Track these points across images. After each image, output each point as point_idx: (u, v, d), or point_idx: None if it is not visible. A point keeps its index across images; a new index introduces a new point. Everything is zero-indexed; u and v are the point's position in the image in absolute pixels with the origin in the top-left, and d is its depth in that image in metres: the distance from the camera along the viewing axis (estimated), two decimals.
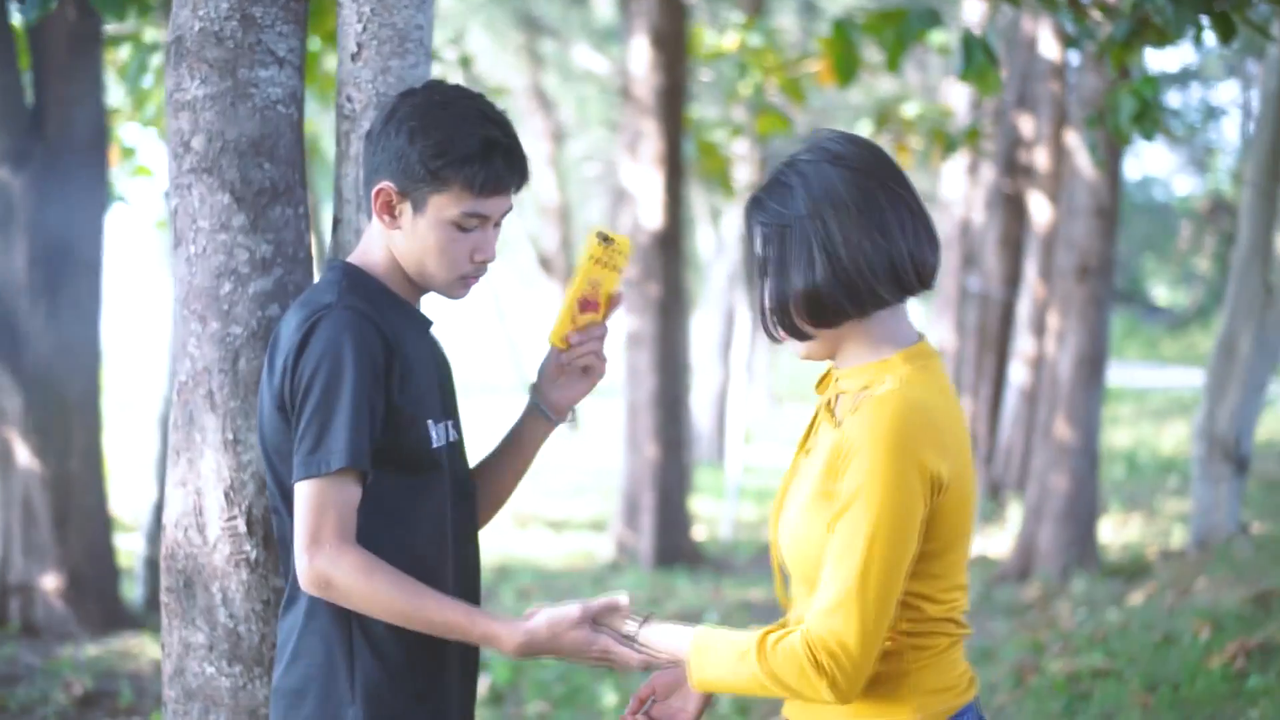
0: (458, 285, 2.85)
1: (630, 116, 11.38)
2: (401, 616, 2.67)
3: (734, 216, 17.70)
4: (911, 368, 2.55)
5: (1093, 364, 11.12)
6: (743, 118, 13.40)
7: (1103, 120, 9.59)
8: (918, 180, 17.58)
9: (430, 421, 2.83)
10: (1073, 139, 11.15)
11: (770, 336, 2.68)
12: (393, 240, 2.80)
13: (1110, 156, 10.79)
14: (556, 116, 22.07)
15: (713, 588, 10.66)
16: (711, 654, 2.56)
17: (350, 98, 3.14)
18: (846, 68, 8.77)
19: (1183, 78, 36.62)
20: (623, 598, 2.73)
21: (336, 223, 3.19)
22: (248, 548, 3.08)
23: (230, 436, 3.07)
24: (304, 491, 2.66)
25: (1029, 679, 8.29)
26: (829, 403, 2.68)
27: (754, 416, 26.35)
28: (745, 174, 13.99)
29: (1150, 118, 8.75)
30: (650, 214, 11.26)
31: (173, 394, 3.15)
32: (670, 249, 11.42)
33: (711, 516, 14.18)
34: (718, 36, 12.37)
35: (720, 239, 21.89)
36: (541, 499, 14.74)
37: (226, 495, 3.08)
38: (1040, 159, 14.40)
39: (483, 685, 7.48)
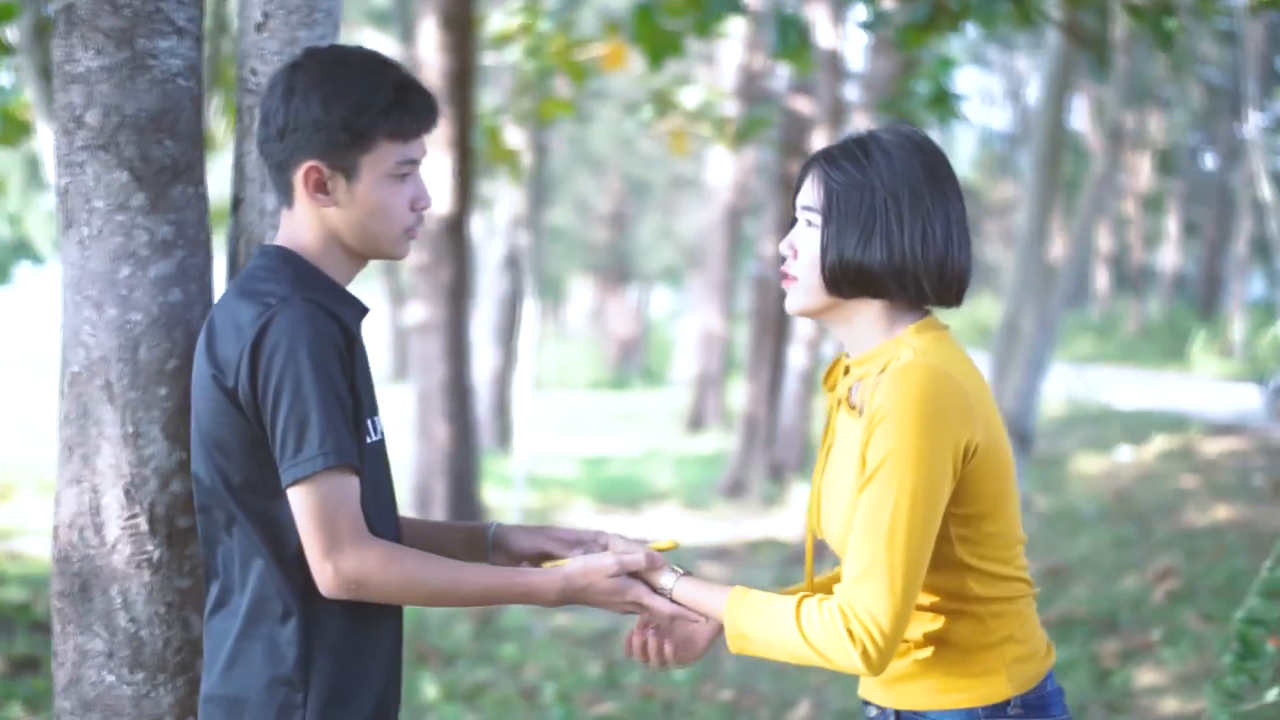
0: (403, 241, 2.75)
1: None
2: (440, 596, 2.61)
3: (507, 203, 17.60)
4: (925, 338, 2.55)
5: None
6: (526, 103, 13.30)
7: (894, 105, 9.76)
8: (682, 166, 17.80)
9: (370, 416, 2.70)
10: (861, 122, 11.29)
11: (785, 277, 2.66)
12: (326, 217, 2.64)
13: None
14: None
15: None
16: (748, 612, 2.55)
17: (255, 70, 2.98)
18: (657, 49, 8.73)
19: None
20: (663, 544, 2.74)
21: (238, 202, 3.03)
22: (150, 548, 2.91)
23: (130, 430, 2.88)
24: (305, 495, 2.50)
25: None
26: (845, 396, 2.67)
27: (528, 402, 26.32)
28: (528, 158, 13.89)
29: (945, 102, 8.93)
30: (440, 200, 11.09)
31: (63, 386, 2.95)
32: (459, 235, 11.26)
33: (497, 505, 14.05)
34: (503, 20, 12.22)
35: (492, 224, 21.74)
36: None
37: (127, 492, 2.89)
38: (818, 143, 14.57)
39: None
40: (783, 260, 2.67)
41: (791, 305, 2.66)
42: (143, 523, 2.90)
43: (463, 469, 11.32)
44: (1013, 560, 2.58)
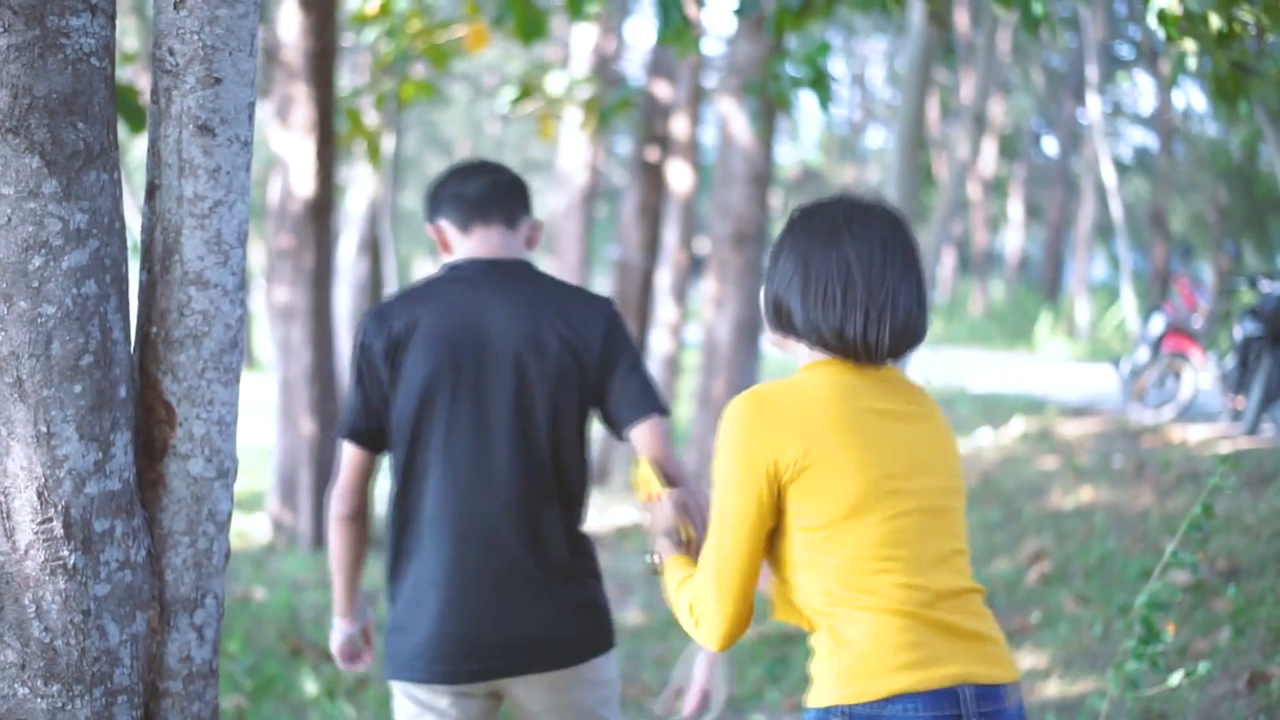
0: None
1: (279, 82, 10.95)
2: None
3: (363, 186, 17.31)
4: (805, 374, 2.85)
5: (750, 331, 11.28)
6: (385, 84, 13.09)
7: (764, 88, 9.71)
8: (534, 150, 17.69)
9: None
10: (727, 106, 11.25)
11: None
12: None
13: (766, 125, 10.95)
14: None
15: (381, 567, 10.37)
16: (668, 575, 3.03)
17: (172, 50, 2.83)
18: (530, 27, 8.62)
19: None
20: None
21: (153, 189, 2.89)
22: (64, 553, 2.75)
23: (44, 429, 2.72)
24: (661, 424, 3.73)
25: None
26: None
27: None
28: (388, 144, 13.68)
29: (824, 85, 8.91)
30: (302, 182, 10.87)
31: None
32: (322, 219, 11.05)
33: None
34: (362, 0, 12.01)
35: (346, 210, 21.41)
36: None
37: (39, 495, 2.73)
38: (679, 127, 14.54)
39: None
40: None
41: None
42: (57, 527, 2.74)
43: (328, 458, 11.11)
44: (866, 573, 2.72)
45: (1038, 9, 7.02)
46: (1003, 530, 9.96)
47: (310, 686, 7.19)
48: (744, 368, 11.34)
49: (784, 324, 2.88)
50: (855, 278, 2.77)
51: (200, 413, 2.91)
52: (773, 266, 2.89)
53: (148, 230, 2.89)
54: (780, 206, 55.01)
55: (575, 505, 3.83)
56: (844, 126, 46.57)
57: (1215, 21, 5.90)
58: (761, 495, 2.74)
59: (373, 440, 3.82)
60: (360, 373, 3.80)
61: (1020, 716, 2.77)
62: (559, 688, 3.73)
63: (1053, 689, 6.77)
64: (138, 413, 2.90)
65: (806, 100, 9.17)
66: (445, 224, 3.88)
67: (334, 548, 3.93)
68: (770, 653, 8.08)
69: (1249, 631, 6.57)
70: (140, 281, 2.94)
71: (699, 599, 2.81)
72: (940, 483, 2.81)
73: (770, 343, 2.98)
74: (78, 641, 2.78)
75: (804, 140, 52.46)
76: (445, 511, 3.68)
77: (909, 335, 2.80)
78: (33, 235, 2.71)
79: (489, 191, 3.85)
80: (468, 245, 3.84)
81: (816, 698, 2.75)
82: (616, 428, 3.78)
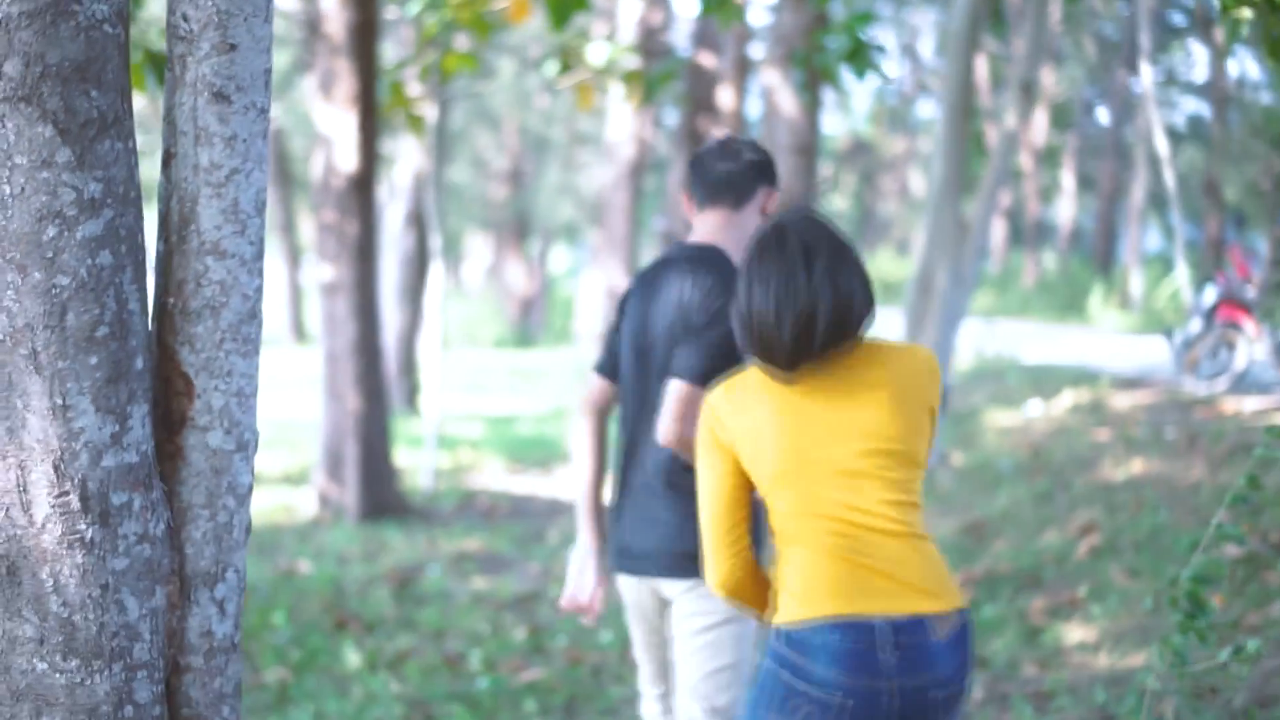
0: None
1: (322, 56, 10.92)
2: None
3: (409, 160, 17.30)
4: (750, 372, 3.37)
5: None
6: (429, 57, 13.04)
7: (809, 59, 9.63)
8: (583, 122, 17.56)
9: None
10: (772, 77, 11.15)
11: None
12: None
13: (812, 96, 10.85)
14: None
15: (426, 540, 10.38)
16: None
17: (186, 16, 2.78)
18: (562, 9, 8.56)
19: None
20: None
21: (168, 158, 2.84)
22: (82, 526, 2.71)
23: (60, 401, 2.68)
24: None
25: None
26: None
27: (435, 362, 26.04)
28: (431, 114, 13.63)
29: (862, 55, 8.81)
30: (345, 156, 10.85)
31: None
32: (365, 192, 11.01)
33: (408, 466, 13.84)
34: None
35: (392, 183, 21.39)
36: None
37: (56, 468, 2.69)
38: (724, 98, 14.44)
39: None
40: None
41: None
42: (74, 500, 2.70)
43: (374, 431, 11.11)
44: (799, 522, 3.22)
45: None
46: (1053, 502, 9.85)
47: (353, 658, 7.17)
48: None
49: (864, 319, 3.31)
50: (750, 314, 3.24)
51: (219, 384, 2.87)
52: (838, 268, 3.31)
53: (164, 200, 2.85)
54: (831, 177, 54.80)
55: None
56: (895, 97, 46.26)
57: None
58: (721, 463, 3.33)
59: (614, 376, 4.50)
60: (614, 322, 4.55)
61: (959, 644, 3.15)
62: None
63: (1102, 663, 6.68)
64: (155, 385, 2.86)
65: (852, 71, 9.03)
66: (688, 192, 4.42)
67: (587, 462, 4.57)
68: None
69: None
70: (157, 252, 2.90)
71: (704, 553, 3.42)
72: (861, 446, 3.20)
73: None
74: (96, 616, 2.74)
75: (855, 111, 52.20)
76: (630, 435, 4.41)
77: (811, 348, 3.19)
78: (46, 205, 2.66)
79: (730, 174, 4.33)
80: (700, 218, 4.39)
81: (771, 615, 3.26)
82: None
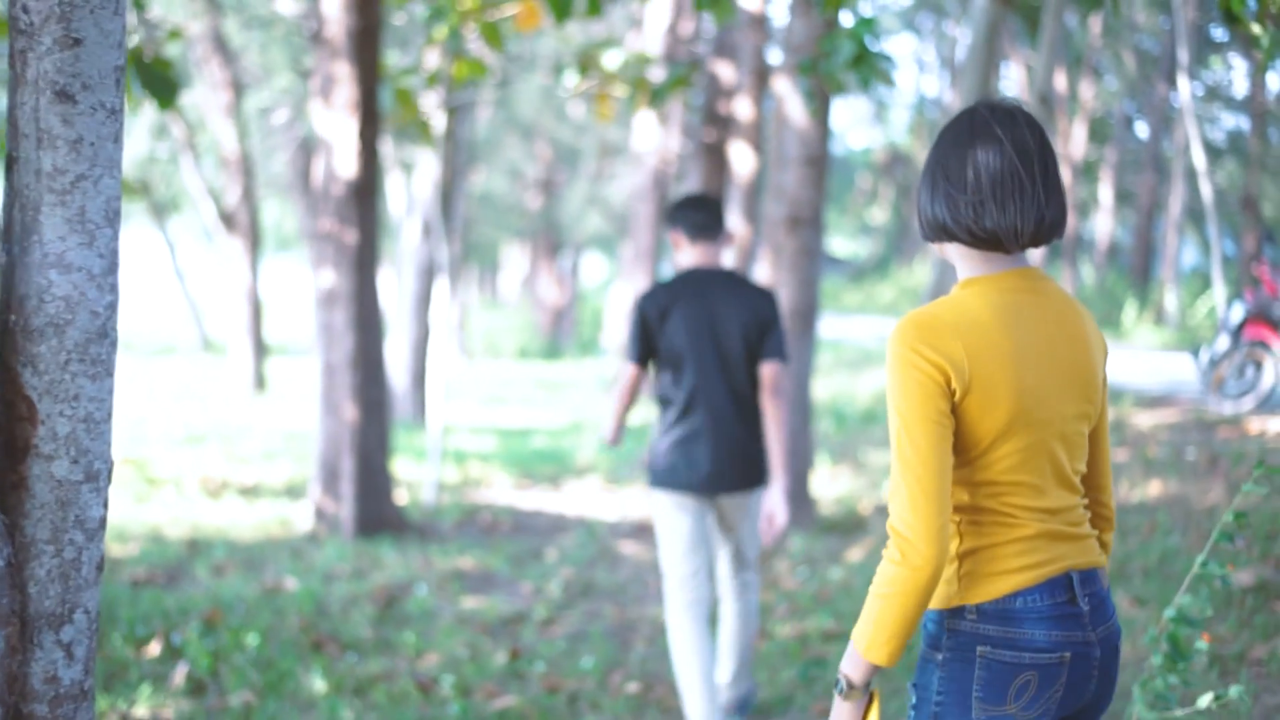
0: None
1: (322, 60, 10.71)
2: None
3: (427, 168, 17.10)
4: (966, 292, 3.00)
5: (805, 316, 10.95)
6: (437, 64, 12.84)
7: (815, 67, 9.36)
8: (611, 133, 17.40)
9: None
10: (783, 86, 10.89)
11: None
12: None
13: (821, 105, 10.59)
14: (237, 64, 21.02)
15: (420, 557, 10.15)
16: (859, 631, 2.92)
17: (26, 8, 2.56)
18: (562, 5, 8.34)
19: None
20: None
21: (11, 162, 2.61)
22: None
23: None
24: (781, 364, 6.41)
25: (759, 644, 8.03)
26: None
27: (450, 375, 25.86)
28: (440, 122, 13.43)
29: (868, 63, 8.54)
30: (344, 163, 10.62)
31: None
32: (366, 200, 10.77)
33: (412, 480, 13.62)
34: None
35: (411, 193, 21.20)
36: (232, 464, 13.99)
37: None
38: (742, 109, 14.20)
39: (180, 674, 6.85)
40: None
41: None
42: None
43: (371, 445, 10.88)
44: (997, 494, 2.97)
45: None
46: None
47: (318, 684, 6.94)
48: (800, 353, 10.99)
49: (934, 230, 3.05)
50: (983, 173, 2.95)
51: (64, 409, 2.64)
52: (922, 180, 3.08)
53: (5, 208, 2.62)
54: (869, 190, 54.48)
55: (755, 401, 6.40)
56: (934, 109, 45.94)
57: None
58: (941, 409, 2.88)
59: (645, 364, 6.43)
60: (639, 327, 6.36)
61: (1108, 593, 3.10)
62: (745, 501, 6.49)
63: None
64: None
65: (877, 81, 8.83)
66: (680, 230, 6.42)
67: (618, 409, 6.55)
68: (806, 652, 7.76)
69: None
70: None
71: (900, 533, 2.87)
72: (1076, 409, 3.02)
73: (935, 254, 3.34)
74: None
75: (893, 123, 51.92)
76: (700, 400, 6.31)
77: (1048, 224, 2.99)
78: None
79: (708, 216, 6.42)
80: (694, 249, 6.41)
81: (942, 599, 3.01)
82: (762, 361, 6.36)
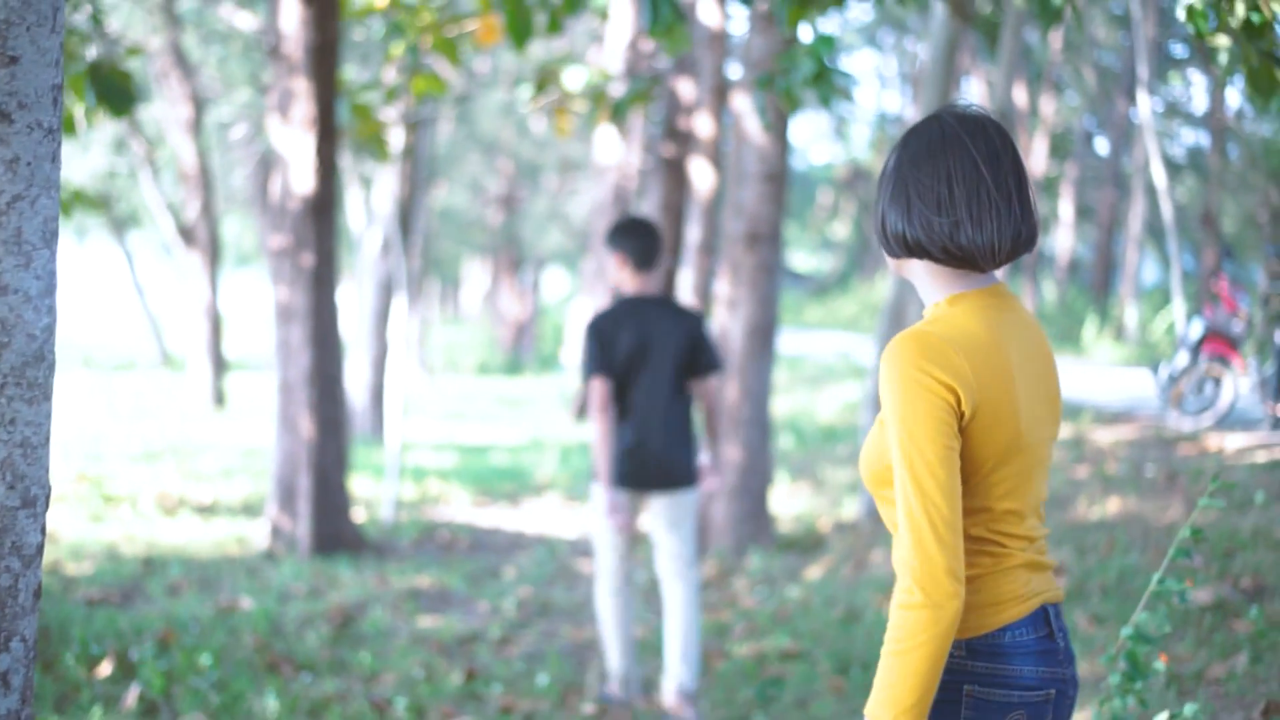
0: None
1: (280, 75, 10.64)
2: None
3: (386, 183, 17.03)
4: (957, 309, 2.87)
5: (764, 333, 10.93)
6: (395, 79, 12.79)
7: (773, 84, 9.34)
8: (570, 148, 17.41)
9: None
10: (742, 103, 10.89)
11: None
12: None
13: (778, 121, 10.58)
14: (197, 78, 20.91)
15: (377, 576, 10.08)
16: (876, 699, 2.74)
17: None
18: (521, 29, 8.31)
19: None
20: None
21: None
22: None
23: None
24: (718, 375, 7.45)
25: (716, 664, 7.99)
26: None
27: (409, 391, 25.75)
28: (399, 138, 13.38)
29: (827, 80, 8.52)
30: (301, 178, 10.56)
31: None
32: (323, 216, 10.70)
33: (371, 497, 13.54)
34: None
35: (370, 208, 21.12)
36: (188, 482, 13.89)
37: None
38: (702, 125, 14.18)
39: (133, 695, 6.76)
40: None
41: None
42: None
43: (328, 462, 10.80)
44: (992, 522, 2.86)
45: (1057, 1, 6.68)
46: None
47: (272, 705, 6.87)
48: (758, 372, 10.98)
49: (903, 247, 2.92)
50: (958, 189, 2.84)
51: (1, 434, 2.58)
52: (881, 191, 2.97)
53: None
54: (830, 205, 54.58)
55: (684, 410, 7.25)
56: (895, 125, 46.08)
57: (1240, 11, 5.53)
58: (954, 431, 2.75)
59: (609, 374, 7.13)
60: (597, 344, 7.12)
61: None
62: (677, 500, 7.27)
63: None
64: None
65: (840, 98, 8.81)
66: (626, 258, 7.21)
67: (601, 437, 7.07)
68: (764, 672, 7.72)
69: (1268, 656, 6.19)
70: None
71: (918, 570, 2.69)
72: (1050, 433, 2.96)
73: (891, 271, 3.18)
74: None
75: (854, 139, 52.02)
76: (640, 410, 7.14)
77: (1024, 240, 2.87)
78: None
79: (651, 247, 7.24)
80: (636, 279, 7.24)
81: None
82: (697, 376, 7.26)
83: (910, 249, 2.89)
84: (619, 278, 7.33)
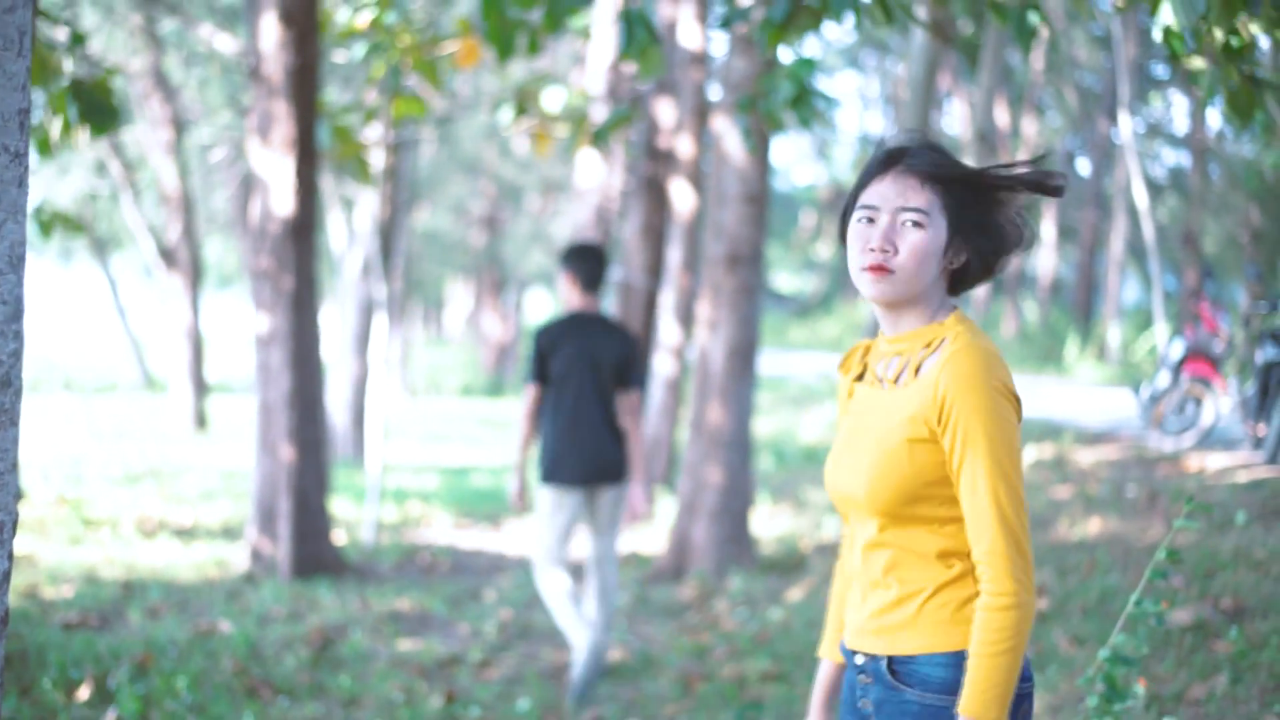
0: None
1: (259, 97, 10.63)
2: None
3: (368, 205, 17.01)
4: (966, 327, 2.97)
5: (744, 354, 10.92)
6: (376, 101, 12.78)
7: (754, 105, 9.35)
8: (552, 169, 17.39)
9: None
10: (722, 124, 10.89)
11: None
12: None
13: (759, 143, 10.58)
14: (178, 100, 20.89)
15: (358, 599, 10.04)
16: (985, 699, 2.83)
17: None
18: (505, 42, 8.30)
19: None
20: None
21: None
22: None
23: None
24: (638, 394, 8.25)
25: (696, 686, 7.97)
26: (862, 372, 3.16)
27: (391, 412, 25.70)
28: (380, 159, 13.37)
29: (806, 102, 8.53)
30: (281, 201, 10.53)
31: None
32: (303, 238, 10.67)
33: (351, 519, 13.50)
34: (350, 15, 11.68)
35: (352, 229, 21.11)
36: (169, 504, 13.84)
37: None
38: (683, 146, 14.19)
39: (110, 717, 6.73)
40: (874, 253, 2.97)
41: (883, 294, 2.98)
42: None
43: (309, 485, 10.76)
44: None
45: (1033, 21, 6.69)
46: None
47: None
48: (739, 393, 10.97)
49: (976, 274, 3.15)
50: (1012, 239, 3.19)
51: None
52: (976, 220, 3.13)
53: None
54: (813, 226, 54.64)
55: (614, 415, 8.06)
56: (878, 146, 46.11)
57: (1218, 34, 5.55)
58: (1019, 439, 2.90)
59: (544, 382, 8.05)
60: (538, 355, 8.03)
61: None
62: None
63: None
64: None
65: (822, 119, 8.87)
66: (575, 278, 8.10)
67: (525, 433, 8.15)
68: (744, 694, 7.70)
69: (1248, 678, 6.17)
70: None
71: (1006, 571, 2.84)
72: None
73: (897, 304, 3.05)
74: None
75: (836, 160, 52.12)
76: (579, 415, 7.97)
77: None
78: None
79: (597, 271, 8.12)
80: (583, 298, 8.12)
81: (952, 640, 2.94)
82: (623, 386, 8.08)
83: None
84: (568, 295, 8.20)
